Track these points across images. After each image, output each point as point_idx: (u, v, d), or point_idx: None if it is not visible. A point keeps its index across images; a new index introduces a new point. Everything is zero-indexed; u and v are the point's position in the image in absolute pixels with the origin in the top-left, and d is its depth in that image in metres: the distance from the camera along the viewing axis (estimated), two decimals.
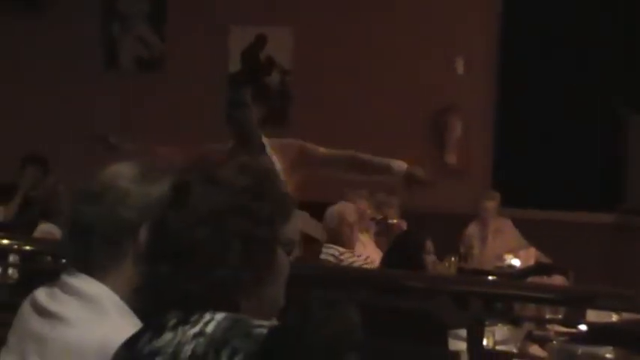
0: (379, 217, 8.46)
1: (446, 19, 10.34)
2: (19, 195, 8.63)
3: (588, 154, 10.05)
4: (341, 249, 6.48)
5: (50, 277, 2.19)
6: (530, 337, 4.97)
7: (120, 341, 1.87)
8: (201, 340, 1.74)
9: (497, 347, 4.55)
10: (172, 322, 1.79)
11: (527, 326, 5.00)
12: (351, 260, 6.40)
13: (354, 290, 4.16)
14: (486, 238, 9.26)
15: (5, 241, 4.94)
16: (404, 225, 8.33)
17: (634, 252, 9.55)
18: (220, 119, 5.49)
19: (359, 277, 4.35)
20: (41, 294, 2.14)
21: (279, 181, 1.96)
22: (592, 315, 5.41)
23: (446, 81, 10.32)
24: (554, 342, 4.73)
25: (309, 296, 1.79)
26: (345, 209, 6.89)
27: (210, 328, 1.75)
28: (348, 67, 10.41)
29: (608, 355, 3.82)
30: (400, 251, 5.27)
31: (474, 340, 2.94)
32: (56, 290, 2.13)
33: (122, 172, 2.16)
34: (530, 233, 9.12)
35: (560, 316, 5.62)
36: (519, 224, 9.28)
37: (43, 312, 2.10)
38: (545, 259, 8.71)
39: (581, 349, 3.81)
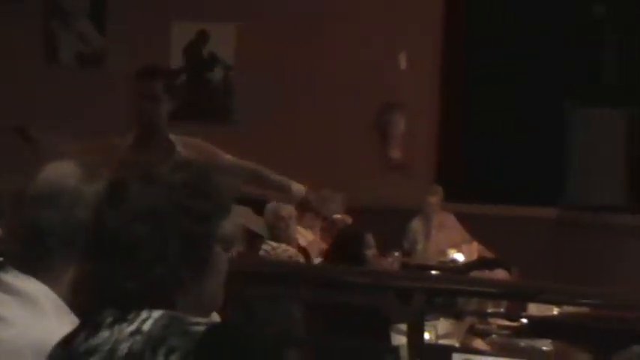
0: (325, 212, 8.46)
1: (389, 14, 10.37)
2: None
3: (531, 148, 10.13)
4: (274, 244, 6.47)
5: None
6: (473, 331, 5.01)
7: (57, 340, 1.85)
8: (138, 338, 1.74)
9: (440, 341, 4.58)
10: (109, 320, 1.78)
11: (470, 320, 5.04)
12: (285, 255, 6.39)
13: (295, 287, 4.16)
14: (430, 232, 9.31)
15: None
16: (348, 220, 8.34)
17: (575, 246, 9.65)
18: None
19: (300, 273, 4.35)
20: None
21: (217, 178, 1.96)
22: (533, 309, 5.47)
23: (389, 76, 10.35)
24: (494, 336, 4.77)
25: (249, 293, 1.78)
26: (280, 205, 6.88)
27: (147, 326, 1.74)
28: (291, 62, 10.40)
29: (545, 348, 3.86)
30: (341, 247, 5.27)
31: (415, 335, 2.96)
32: None
33: (67, 172, 2.17)
34: (474, 228, 9.19)
35: (502, 310, 5.68)
36: (463, 219, 9.34)
37: None
38: (487, 254, 8.77)
39: (520, 342, 3.85)
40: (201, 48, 10.76)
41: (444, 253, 8.88)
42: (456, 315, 4.85)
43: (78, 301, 1.98)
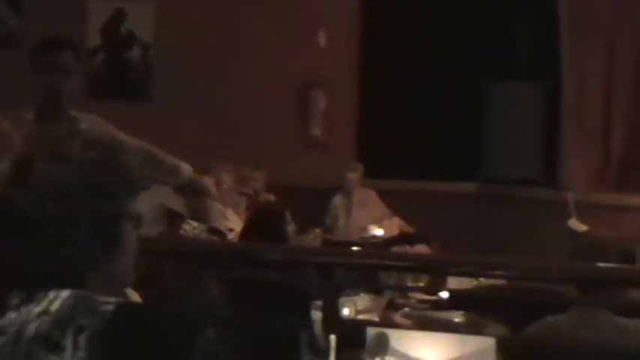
0: (248, 191, 8.45)
1: None
2: None
3: (450, 124, 10.22)
4: (194, 223, 6.43)
5: None
6: (392, 306, 5.05)
7: None
8: (46, 318, 1.72)
9: (359, 316, 4.61)
10: (15, 301, 1.76)
11: (389, 295, 5.08)
12: (205, 234, 6.36)
13: (214, 265, 4.15)
14: (351, 209, 9.35)
15: None
16: (271, 198, 8.35)
17: (494, 220, 9.77)
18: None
19: (220, 251, 4.35)
20: None
21: (127, 156, 1.94)
22: (453, 282, 5.53)
23: (309, 55, 10.34)
24: (407, 309, 4.82)
25: (168, 272, 1.78)
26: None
27: (54, 307, 1.73)
28: (211, 41, 10.34)
29: (457, 320, 3.92)
30: (259, 224, 5.25)
31: (329, 310, 2.98)
32: None
33: None
34: (394, 204, 9.24)
35: (421, 284, 5.73)
36: (383, 195, 9.39)
37: None
38: (408, 229, 8.84)
39: (433, 315, 3.90)
40: (119, 26, 10.65)
41: (365, 229, 8.92)
42: (375, 290, 4.89)
43: None
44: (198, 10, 10.38)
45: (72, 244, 1.79)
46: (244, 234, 5.43)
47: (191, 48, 10.26)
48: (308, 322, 2.69)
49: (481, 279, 5.38)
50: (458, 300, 4.79)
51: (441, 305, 5.10)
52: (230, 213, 7.78)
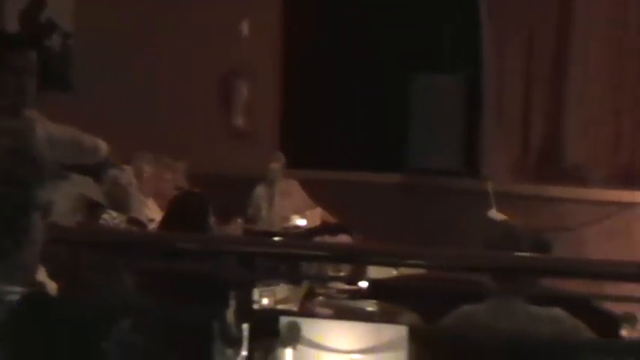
0: (169, 181, 8.38)
1: None
2: None
3: (373, 115, 10.25)
4: (114, 213, 6.38)
5: None
6: (311, 295, 5.06)
7: None
8: None
9: (279, 306, 4.61)
10: None
11: (308, 285, 5.09)
12: (124, 225, 6.31)
13: (134, 255, 4.12)
14: (273, 199, 9.34)
15: None
16: (192, 188, 8.29)
17: (417, 210, 9.84)
18: None
19: (138, 241, 4.31)
20: None
21: (40, 145, 1.92)
22: (374, 272, 5.56)
23: (232, 43, 10.31)
24: (322, 298, 4.83)
25: (84, 262, 1.75)
26: (120, 172, 6.76)
27: None
28: (131, 30, 10.25)
29: (369, 309, 3.95)
30: (180, 213, 5.22)
31: (243, 299, 2.98)
32: None
33: None
34: (317, 194, 9.26)
35: (342, 274, 5.75)
36: (306, 185, 9.41)
37: None
38: (331, 220, 8.86)
39: (348, 304, 3.93)
40: (38, 14, 10.50)
41: (287, 219, 8.93)
42: (294, 280, 4.90)
43: None
44: None
45: None
46: (164, 224, 5.40)
47: (112, 37, 10.15)
48: (220, 312, 2.69)
49: (401, 269, 5.41)
50: (377, 290, 4.82)
51: (360, 295, 5.13)
52: (151, 203, 7.72)
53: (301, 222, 8.81)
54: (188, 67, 10.25)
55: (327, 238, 7.84)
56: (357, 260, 3.53)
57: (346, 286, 5.49)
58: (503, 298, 3.84)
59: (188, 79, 10.24)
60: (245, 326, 2.75)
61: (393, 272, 5.62)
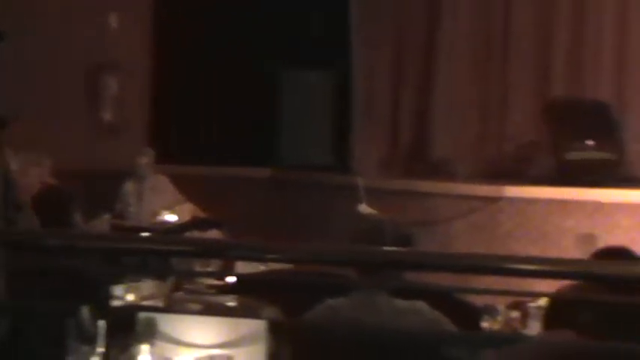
0: (34, 177, 8.22)
1: None
2: None
3: (243, 110, 10.26)
4: None
5: None
6: (177, 291, 5.04)
7: None
8: None
9: (144, 302, 4.57)
10: None
11: (173, 280, 5.06)
12: None
13: None
14: (142, 195, 9.26)
15: None
16: (58, 184, 8.15)
17: (288, 205, 9.88)
18: None
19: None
20: None
21: None
22: (243, 267, 5.56)
23: (100, 37, 10.17)
24: (181, 293, 4.81)
25: None
26: None
27: None
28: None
29: (230, 304, 3.95)
30: (42, 209, 5.13)
31: (99, 295, 2.95)
32: None
33: None
34: (187, 189, 9.22)
35: (210, 269, 5.73)
36: (176, 180, 9.35)
37: None
38: (201, 215, 8.84)
39: (209, 300, 3.92)
40: None
41: (157, 214, 8.86)
42: (160, 275, 4.86)
43: None
44: None
45: None
46: None
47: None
48: (74, 308, 2.66)
49: (270, 264, 5.43)
50: (242, 285, 4.82)
51: (229, 290, 5.13)
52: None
53: (171, 217, 8.76)
54: (56, 60, 10.07)
55: (197, 234, 7.82)
56: (222, 255, 3.53)
57: (215, 282, 5.47)
58: (367, 292, 3.88)
59: (56, 72, 10.06)
60: (101, 323, 2.73)
61: (261, 267, 5.63)
